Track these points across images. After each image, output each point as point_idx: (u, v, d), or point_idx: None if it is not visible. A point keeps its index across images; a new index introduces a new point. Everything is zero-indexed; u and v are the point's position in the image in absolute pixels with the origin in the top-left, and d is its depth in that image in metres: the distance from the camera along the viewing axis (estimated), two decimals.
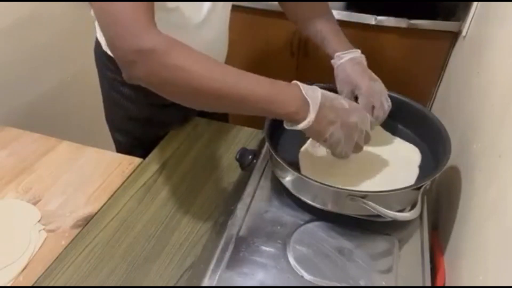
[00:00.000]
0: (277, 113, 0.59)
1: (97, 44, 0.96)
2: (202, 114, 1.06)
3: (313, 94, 0.59)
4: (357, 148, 0.65)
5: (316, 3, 0.86)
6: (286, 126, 0.61)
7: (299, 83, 0.60)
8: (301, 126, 0.59)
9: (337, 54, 0.79)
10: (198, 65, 0.56)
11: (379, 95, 0.75)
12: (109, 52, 0.91)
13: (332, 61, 0.80)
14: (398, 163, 0.73)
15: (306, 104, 0.58)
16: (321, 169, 0.71)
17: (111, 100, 1.00)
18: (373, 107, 0.74)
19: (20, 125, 1.02)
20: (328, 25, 0.83)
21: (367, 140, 0.66)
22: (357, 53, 0.79)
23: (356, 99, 0.76)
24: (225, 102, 0.58)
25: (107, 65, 0.93)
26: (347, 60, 0.78)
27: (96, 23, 0.87)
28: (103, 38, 0.92)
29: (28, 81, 1.31)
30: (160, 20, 0.60)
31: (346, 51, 0.78)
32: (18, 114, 1.28)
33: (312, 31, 0.84)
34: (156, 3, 0.60)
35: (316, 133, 0.61)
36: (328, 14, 0.86)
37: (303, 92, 0.59)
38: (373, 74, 0.78)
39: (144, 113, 0.98)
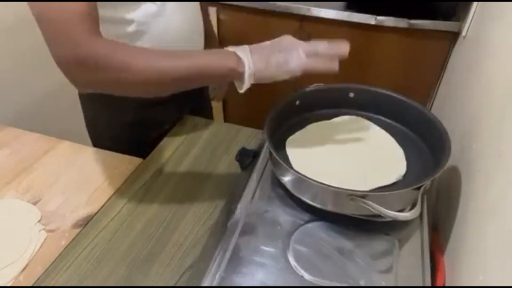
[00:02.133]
0: (222, 74, 0.65)
1: None
2: (195, 112, 1.06)
3: (242, 47, 0.66)
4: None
5: None
6: (241, 90, 0.66)
7: (230, 49, 0.66)
8: (248, 73, 0.64)
9: None
10: (136, 61, 0.60)
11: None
12: None
13: None
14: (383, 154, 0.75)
15: (239, 57, 0.64)
16: (308, 160, 0.73)
17: (96, 109, 0.98)
18: None
19: (20, 125, 1.02)
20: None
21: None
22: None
23: None
24: (171, 85, 0.65)
25: None
26: None
27: None
28: None
29: (28, 81, 1.31)
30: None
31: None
32: (18, 114, 1.28)
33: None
34: None
35: (263, 70, 0.65)
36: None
37: (233, 50, 0.65)
38: None
39: (130, 115, 0.96)
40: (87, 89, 0.63)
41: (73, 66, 0.58)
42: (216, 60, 0.65)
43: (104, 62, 0.58)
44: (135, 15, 0.81)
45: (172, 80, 0.63)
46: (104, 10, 0.76)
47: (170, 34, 0.87)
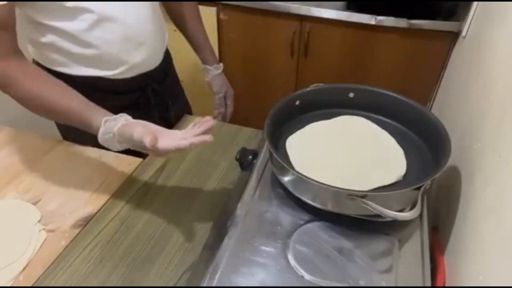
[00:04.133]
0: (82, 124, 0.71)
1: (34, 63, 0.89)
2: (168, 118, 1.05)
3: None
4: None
5: (190, 4, 1.05)
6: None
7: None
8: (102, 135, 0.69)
9: (213, 66, 1.09)
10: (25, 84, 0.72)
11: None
12: (55, 68, 0.86)
13: (205, 68, 1.10)
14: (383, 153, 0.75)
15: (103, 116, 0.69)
16: (308, 160, 0.73)
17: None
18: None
19: (20, 125, 1.02)
20: (201, 30, 1.08)
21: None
22: (221, 67, 1.11)
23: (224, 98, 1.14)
24: (55, 117, 0.78)
25: None
26: (220, 72, 1.11)
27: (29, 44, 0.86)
28: (40, 56, 0.87)
29: None
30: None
31: (217, 65, 1.10)
32: (18, 114, 1.28)
33: (189, 34, 1.08)
34: None
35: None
36: (199, 16, 1.08)
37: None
38: None
39: None
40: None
41: None
42: (83, 113, 0.70)
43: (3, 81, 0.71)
44: (69, 26, 0.78)
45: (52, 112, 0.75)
46: (39, 16, 0.77)
47: (119, 42, 0.84)
